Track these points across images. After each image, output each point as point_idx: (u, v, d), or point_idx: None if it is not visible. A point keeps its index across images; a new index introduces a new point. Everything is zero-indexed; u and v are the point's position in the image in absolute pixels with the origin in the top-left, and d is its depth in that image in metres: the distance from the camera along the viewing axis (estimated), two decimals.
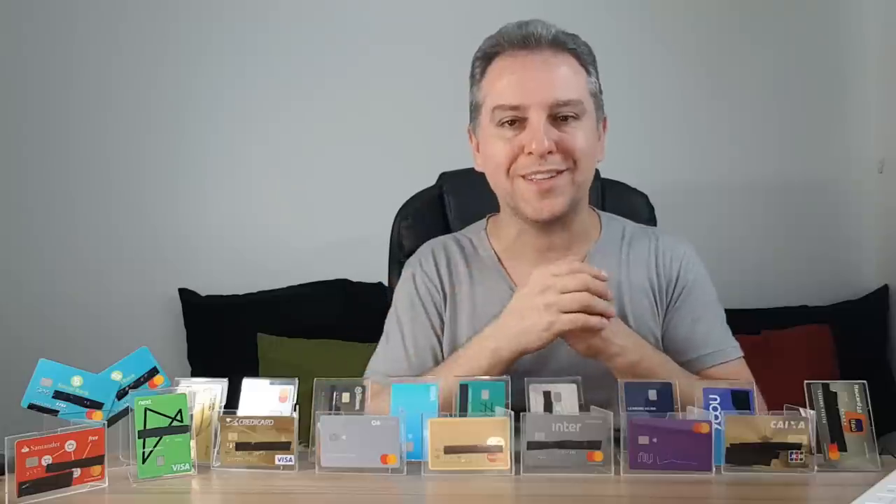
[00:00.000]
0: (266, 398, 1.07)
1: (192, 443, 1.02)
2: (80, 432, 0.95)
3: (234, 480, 1.00)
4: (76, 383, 1.05)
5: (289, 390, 1.07)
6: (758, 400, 1.11)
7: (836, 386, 1.03)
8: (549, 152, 1.22)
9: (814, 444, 0.98)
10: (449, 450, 0.98)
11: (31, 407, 1.03)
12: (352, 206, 2.62)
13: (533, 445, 0.98)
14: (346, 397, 1.09)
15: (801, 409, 0.99)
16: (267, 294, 2.59)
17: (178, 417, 1.01)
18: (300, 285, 2.59)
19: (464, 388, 1.08)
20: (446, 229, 1.57)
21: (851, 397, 1.02)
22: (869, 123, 2.63)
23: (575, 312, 1.13)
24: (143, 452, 0.99)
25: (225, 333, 2.53)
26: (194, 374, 2.31)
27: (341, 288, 2.58)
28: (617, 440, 0.99)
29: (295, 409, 1.05)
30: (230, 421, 1.03)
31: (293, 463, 1.01)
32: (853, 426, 1.01)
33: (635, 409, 1.04)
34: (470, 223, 1.47)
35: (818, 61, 2.65)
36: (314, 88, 2.66)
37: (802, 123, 2.65)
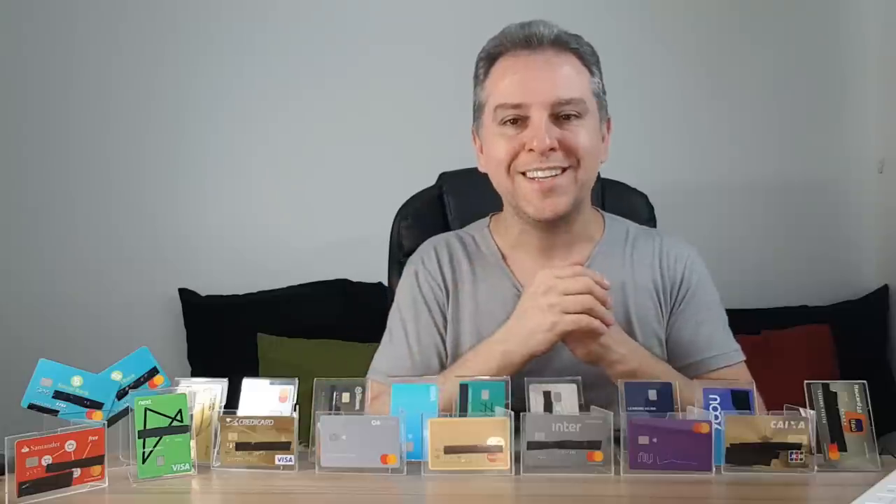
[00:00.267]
0: (266, 398, 1.07)
1: (192, 443, 1.02)
2: (80, 432, 0.95)
3: (234, 480, 1.00)
4: (76, 383, 1.05)
5: (289, 390, 1.07)
6: (757, 401, 1.12)
7: (836, 386, 1.03)
8: (552, 149, 1.22)
9: (814, 444, 0.97)
10: (449, 450, 0.98)
11: (31, 407, 1.03)
12: (352, 206, 2.62)
13: (533, 445, 0.98)
14: (346, 397, 1.09)
15: (801, 409, 0.99)
16: (267, 294, 2.59)
17: (178, 417, 1.01)
18: (300, 285, 2.60)
19: (464, 388, 1.08)
20: (446, 229, 1.56)
21: (851, 397, 1.02)
22: (869, 123, 2.63)
23: (578, 314, 1.13)
24: (143, 452, 0.99)
25: (225, 333, 2.53)
26: (194, 374, 2.31)
27: (341, 288, 2.58)
28: (617, 440, 0.99)
29: (295, 409, 1.05)
30: (230, 421, 1.03)
31: (293, 463, 1.01)
32: (853, 426, 1.01)
33: (635, 409, 1.04)
34: (470, 223, 1.47)
35: (818, 61, 2.65)
36: (314, 88, 2.66)
37: (802, 123, 2.65)
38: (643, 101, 2.58)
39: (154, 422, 1.00)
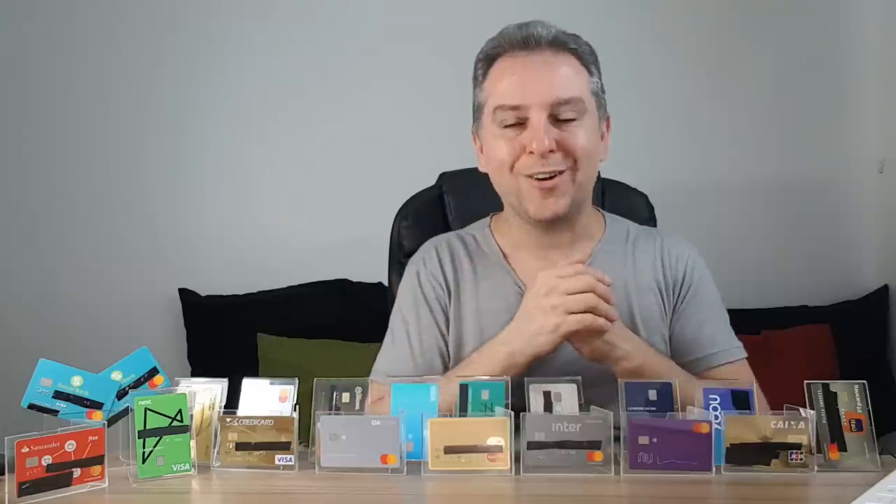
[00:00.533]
0: (266, 398, 1.07)
1: (192, 443, 1.02)
2: (80, 432, 0.95)
3: (234, 480, 1.00)
4: (76, 383, 1.05)
5: (289, 390, 1.07)
6: (760, 400, 1.12)
7: (836, 386, 1.03)
8: (551, 151, 1.22)
9: (814, 444, 0.97)
10: (449, 450, 0.98)
11: (31, 407, 1.03)
12: (352, 206, 2.62)
13: (533, 445, 0.98)
14: (346, 397, 1.09)
15: (801, 409, 0.99)
16: (267, 294, 2.58)
17: (178, 417, 1.01)
18: (300, 285, 2.59)
19: (464, 388, 1.08)
20: (446, 229, 1.56)
21: (851, 397, 1.02)
22: (869, 123, 2.63)
23: (581, 313, 1.13)
24: (143, 452, 0.99)
25: (225, 333, 2.53)
26: (194, 374, 2.31)
27: (341, 288, 2.58)
28: (617, 438, 0.99)
29: (295, 409, 1.05)
30: (230, 421, 1.03)
31: (293, 463, 1.01)
32: (853, 426, 1.01)
33: (635, 409, 1.04)
34: (470, 223, 1.47)
35: (818, 61, 2.65)
36: (314, 88, 2.66)
37: (802, 123, 2.65)
38: (643, 101, 2.58)
39: (154, 422, 1.00)
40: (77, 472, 0.94)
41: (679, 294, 1.34)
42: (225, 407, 1.07)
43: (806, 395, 1.02)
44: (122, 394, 1.07)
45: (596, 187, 1.37)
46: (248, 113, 2.68)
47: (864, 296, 2.55)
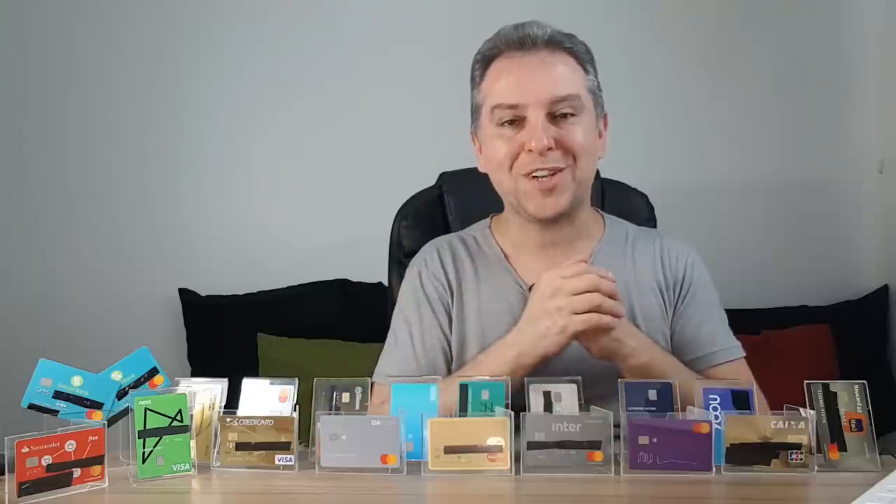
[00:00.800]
0: (266, 398, 1.07)
1: (192, 443, 1.02)
2: (80, 432, 0.95)
3: (234, 480, 1.00)
4: (76, 383, 1.05)
5: (289, 390, 1.07)
6: (760, 400, 1.12)
7: (836, 386, 1.03)
8: (549, 149, 1.23)
9: (814, 444, 0.97)
10: (449, 450, 0.98)
11: (31, 407, 1.03)
12: (352, 206, 2.62)
13: (533, 445, 0.98)
14: (346, 397, 1.09)
15: (801, 409, 0.99)
16: (267, 294, 2.58)
17: (178, 417, 1.01)
18: (300, 285, 2.59)
19: (464, 388, 1.08)
20: (446, 229, 1.57)
21: (851, 397, 1.02)
22: (869, 123, 2.63)
23: (587, 313, 1.14)
24: (143, 452, 0.99)
25: (225, 333, 2.53)
26: (194, 374, 2.31)
27: (341, 288, 2.58)
28: (617, 437, 0.99)
29: (295, 409, 1.05)
30: (230, 421, 1.03)
31: (293, 463, 1.01)
32: (853, 426, 1.01)
33: (635, 409, 1.04)
34: (470, 223, 1.47)
35: (818, 61, 2.65)
36: (314, 88, 2.66)
37: (802, 123, 2.65)
38: (643, 101, 2.58)
39: (154, 422, 1.00)
40: (77, 472, 0.94)
41: (679, 293, 1.35)
42: (225, 407, 1.07)
43: (806, 395, 1.02)
44: (122, 394, 1.07)
45: (595, 187, 1.37)
46: (248, 113, 2.68)
47: (864, 296, 2.55)
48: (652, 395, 1.05)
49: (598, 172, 1.57)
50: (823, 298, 2.56)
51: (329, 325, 2.48)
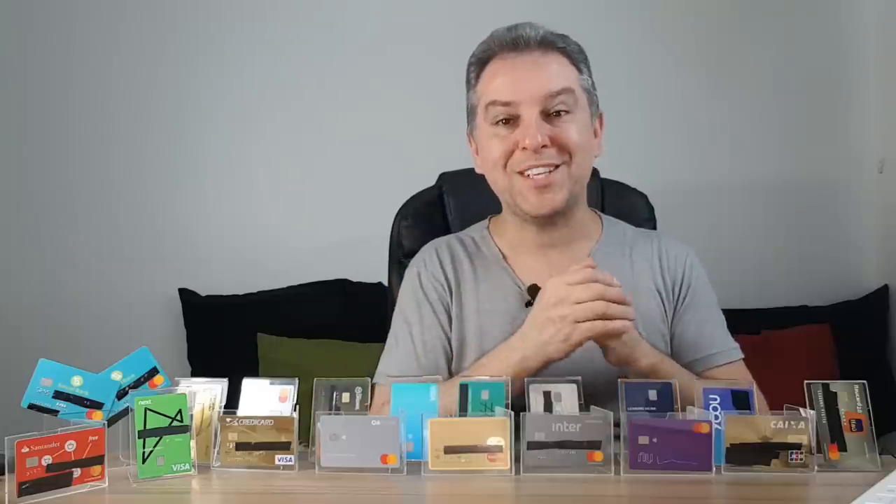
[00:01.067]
0: (266, 398, 1.07)
1: (192, 443, 1.02)
2: (80, 432, 0.95)
3: (234, 480, 1.00)
4: (76, 383, 1.05)
5: (289, 390, 1.07)
6: (760, 400, 1.12)
7: (836, 386, 1.03)
8: (544, 146, 1.23)
9: (814, 444, 0.97)
10: (449, 450, 0.98)
11: (31, 407, 1.03)
12: (352, 206, 2.62)
13: (533, 445, 0.98)
14: (346, 397, 1.09)
15: (801, 409, 0.99)
16: (267, 294, 2.58)
17: (178, 417, 1.01)
18: (300, 285, 2.59)
19: (464, 388, 1.08)
20: (446, 229, 1.57)
21: (851, 397, 1.02)
22: (869, 123, 2.63)
23: (591, 321, 1.13)
24: (143, 452, 0.99)
25: (225, 333, 2.53)
26: (194, 374, 2.31)
27: (341, 288, 2.58)
28: (617, 437, 0.99)
29: (295, 409, 1.05)
30: (230, 421, 1.03)
31: (293, 463, 1.01)
32: (853, 426, 1.01)
33: (635, 409, 1.04)
34: (470, 223, 1.47)
35: (818, 61, 2.65)
36: (314, 88, 2.66)
37: (802, 123, 2.65)
38: (643, 101, 2.58)
39: (154, 422, 1.00)
40: (77, 472, 0.94)
41: (679, 295, 1.35)
42: (225, 407, 1.07)
43: (806, 395, 1.02)
44: (122, 394, 1.07)
45: (595, 187, 1.37)
46: (248, 113, 2.68)
47: (864, 296, 2.55)
48: (652, 395, 1.05)
49: (597, 172, 1.58)
50: (823, 298, 2.56)
51: (329, 325, 2.48)
